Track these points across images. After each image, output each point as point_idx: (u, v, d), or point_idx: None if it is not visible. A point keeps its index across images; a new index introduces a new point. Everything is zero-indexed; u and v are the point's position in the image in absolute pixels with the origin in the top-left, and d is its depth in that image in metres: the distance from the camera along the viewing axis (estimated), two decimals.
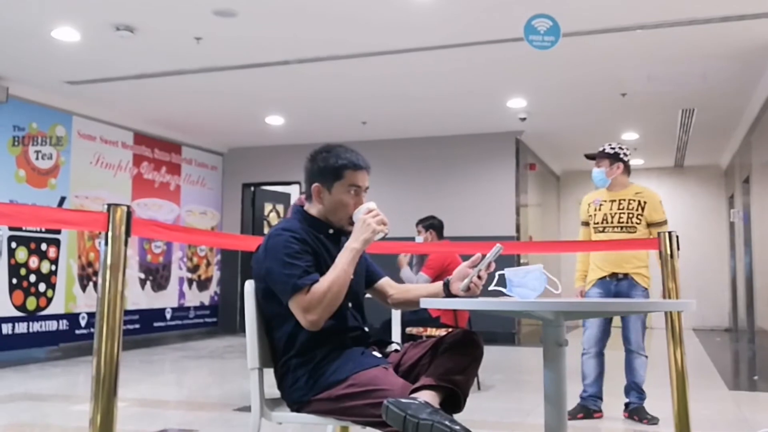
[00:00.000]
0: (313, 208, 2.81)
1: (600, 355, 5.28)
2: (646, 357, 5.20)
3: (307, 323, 2.55)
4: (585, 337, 5.30)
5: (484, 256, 2.69)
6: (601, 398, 5.26)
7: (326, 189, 2.76)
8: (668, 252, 3.94)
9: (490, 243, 3.06)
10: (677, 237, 3.99)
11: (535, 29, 6.08)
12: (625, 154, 5.34)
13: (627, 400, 5.19)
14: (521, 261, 10.56)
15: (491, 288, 2.65)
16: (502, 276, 2.68)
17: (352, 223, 2.74)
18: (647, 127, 10.81)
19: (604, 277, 5.26)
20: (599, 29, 6.64)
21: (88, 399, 2.69)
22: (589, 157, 5.50)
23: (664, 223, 5.17)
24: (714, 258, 13.76)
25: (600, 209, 5.32)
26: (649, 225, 5.18)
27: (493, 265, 2.71)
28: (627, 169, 5.35)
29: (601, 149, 5.39)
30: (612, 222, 5.25)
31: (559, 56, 7.13)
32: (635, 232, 5.16)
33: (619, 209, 5.25)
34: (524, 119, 10.10)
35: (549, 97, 9.10)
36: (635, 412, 5.11)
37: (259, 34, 6.86)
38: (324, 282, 2.56)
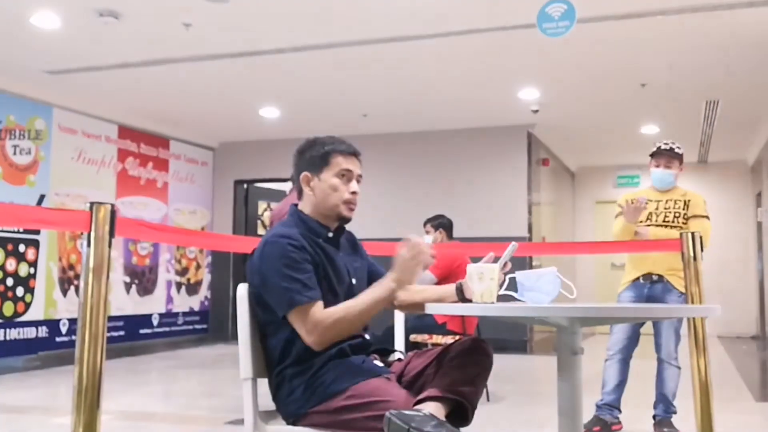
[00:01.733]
0: (307, 204, 2.85)
1: (623, 362, 5.26)
2: (679, 368, 5.14)
3: (310, 343, 2.59)
4: (610, 341, 5.30)
5: (497, 258, 2.70)
6: (619, 408, 5.25)
7: (315, 176, 2.81)
8: (691, 253, 3.94)
9: (500, 244, 3.06)
10: (701, 238, 3.99)
11: (549, 16, 6.09)
12: (682, 154, 5.37)
13: (654, 413, 5.18)
14: (534, 263, 10.56)
15: (501, 292, 2.65)
16: (513, 280, 2.68)
17: (345, 206, 2.80)
18: (668, 120, 10.80)
19: (638, 278, 5.24)
20: (617, 15, 6.63)
21: (70, 411, 2.69)
22: (656, 154, 5.39)
23: (705, 218, 5.15)
24: (740, 260, 13.74)
25: (646, 207, 5.30)
26: (689, 219, 5.17)
27: (509, 265, 2.72)
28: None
29: (665, 147, 5.34)
30: (657, 220, 5.25)
31: (575, 44, 7.13)
32: (681, 230, 5.14)
33: (665, 208, 5.27)
34: (537, 111, 10.10)
35: (563, 87, 9.10)
36: (659, 424, 5.10)
37: (252, 20, 6.86)
38: (341, 310, 2.60)
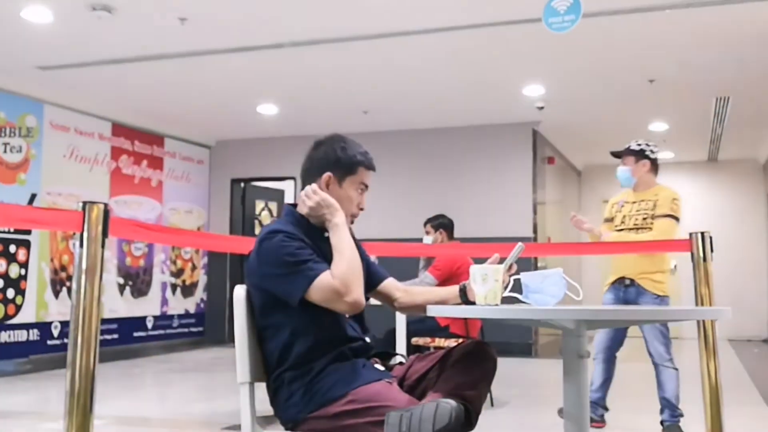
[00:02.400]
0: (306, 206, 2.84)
1: (608, 362, 5.39)
2: (675, 369, 5.19)
3: (349, 306, 2.59)
4: (595, 341, 5.41)
5: (502, 259, 2.70)
6: (604, 407, 5.33)
7: (337, 181, 2.82)
8: (701, 254, 3.94)
9: (504, 245, 3.06)
10: (710, 238, 3.99)
11: (554, 10, 6.09)
12: (651, 151, 5.40)
13: (661, 418, 5.20)
14: (539, 264, 10.55)
15: (506, 294, 2.65)
16: (517, 281, 2.68)
17: (349, 218, 2.84)
18: (678, 118, 10.80)
19: (615, 281, 5.33)
20: (625, 9, 6.63)
21: (62, 416, 2.69)
22: (615, 154, 5.57)
23: (668, 217, 5.17)
24: (752, 261, 13.74)
25: (621, 210, 5.38)
26: (655, 219, 5.21)
27: (515, 267, 2.73)
28: (654, 168, 5.40)
29: (627, 146, 5.45)
30: (628, 224, 5.32)
31: (581, 39, 7.13)
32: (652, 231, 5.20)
33: (637, 211, 5.32)
34: (542, 108, 10.10)
35: (569, 83, 9.10)
36: (668, 430, 5.11)
37: (249, 14, 6.86)
38: (341, 261, 2.63)
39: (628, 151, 5.42)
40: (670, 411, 5.14)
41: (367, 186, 2.87)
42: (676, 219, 5.21)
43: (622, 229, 5.32)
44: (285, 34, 7.36)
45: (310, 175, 2.86)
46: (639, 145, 5.41)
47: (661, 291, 5.19)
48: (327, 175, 2.82)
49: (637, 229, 5.25)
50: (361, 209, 2.88)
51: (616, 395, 5.42)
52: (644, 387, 5.56)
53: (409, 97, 9.74)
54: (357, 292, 2.60)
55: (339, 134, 2.91)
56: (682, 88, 9.16)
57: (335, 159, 2.82)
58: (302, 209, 2.81)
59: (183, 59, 8.11)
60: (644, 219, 5.25)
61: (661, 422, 5.19)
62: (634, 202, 5.36)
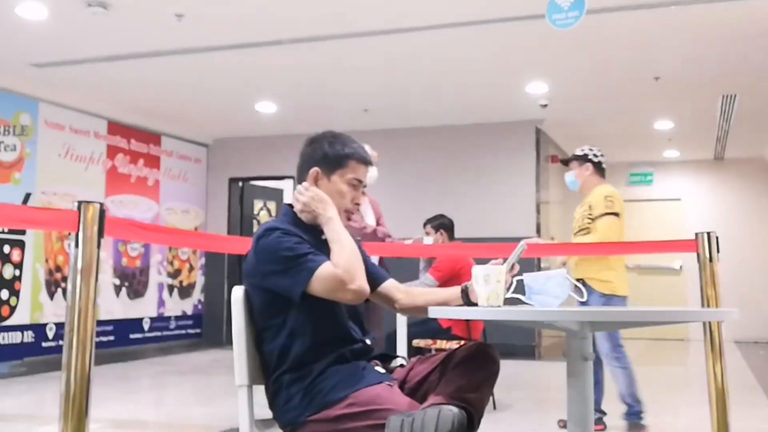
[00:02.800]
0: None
1: (594, 365, 5.39)
2: (623, 368, 5.33)
3: (355, 294, 2.60)
4: None
5: (505, 260, 2.70)
6: (600, 411, 5.41)
7: (325, 176, 2.83)
8: (707, 255, 3.94)
9: (506, 245, 3.06)
10: (717, 238, 3.99)
11: (558, 7, 6.09)
12: (594, 155, 5.65)
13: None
14: (542, 265, 10.55)
15: (508, 295, 2.65)
16: (520, 282, 2.68)
17: (344, 214, 2.84)
18: (683, 115, 10.79)
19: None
20: (629, 5, 6.62)
21: (57, 419, 2.69)
22: (564, 162, 5.84)
23: (607, 215, 5.38)
24: (759, 262, 13.72)
25: (575, 216, 5.69)
26: (594, 220, 5.45)
27: (517, 267, 2.73)
28: (598, 171, 5.65)
29: (573, 153, 5.74)
30: (575, 228, 5.63)
31: (585, 35, 7.12)
32: (589, 233, 5.44)
33: (581, 215, 5.58)
34: (545, 106, 10.10)
35: (573, 81, 9.09)
36: (629, 427, 5.28)
37: (248, 10, 6.85)
38: (341, 252, 2.64)
39: (573, 157, 5.69)
40: (627, 407, 5.27)
41: (360, 181, 2.86)
42: (615, 215, 5.40)
43: (575, 234, 5.61)
44: (284, 30, 7.36)
45: (301, 172, 2.89)
46: (582, 150, 5.67)
47: (608, 290, 5.37)
48: (314, 170, 2.83)
49: (580, 229, 5.52)
50: (357, 204, 2.88)
51: (615, 395, 5.42)
52: (649, 391, 5.56)
53: (410, 95, 9.74)
54: (361, 279, 2.61)
55: (331, 131, 2.92)
56: (688, 86, 9.16)
57: (322, 154, 2.84)
58: (296, 207, 2.82)
59: (180, 56, 8.11)
60: (584, 221, 5.50)
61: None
62: (581, 206, 5.62)
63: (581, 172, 5.63)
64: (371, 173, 5.07)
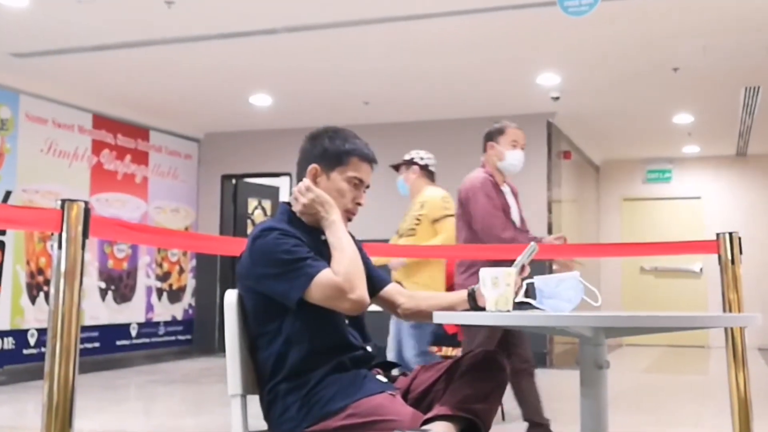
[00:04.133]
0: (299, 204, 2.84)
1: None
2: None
3: (353, 305, 2.60)
4: None
5: (513, 261, 2.70)
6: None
7: (325, 173, 2.83)
8: (728, 256, 3.93)
9: (515, 246, 3.05)
10: (739, 239, 3.99)
11: None
12: (421, 158, 6.01)
13: None
14: (554, 268, 10.55)
15: (518, 299, 2.65)
16: (531, 285, 2.67)
17: (344, 214, 2.84)
18: (704, 109, 10.79)
19: None
20: None
21: (38, 431, 2.69)
22: (394, 167, 6.15)
23: (444, 218, 5.72)
24: None
25: (404, 217, 5.99)
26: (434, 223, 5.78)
27: (527, 269, 2.72)
28: (426, 174, 6.01)
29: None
30: (403, 228, 5.91)
31: (599, 24, 7.12)
32: (414, 235, 5.76)
33: (411, 215, 5.89)
34: (557, 99, 10.09)
35: (587, 72, 9.09)
36: None
37: None
38: (343, 258, 2.65)
39: (402, 162, 6.06)
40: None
41: (362, 180, 2.86)
42: (432, 221, 5.78)
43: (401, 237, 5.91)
44: (279, 18, 7.36)
45: (300, 169, 2.89)
46: (410, 154, 6.07)
47: None
48: (313, 167, 2.83)
49: (409, 231, 5.82)
50: (359, 204, 2.88)
51: (632, 406, 5.41)
52: (667, 400, 5.55)
53: (414, 87, 9.73)
54: (361, 288, 2.62)
55: (333, 126, 2.92)
56: (709, 77, 9.15)
57: (322, 150, 2.84)
58: (296, 207, 2.82)
59: (169, 46, 8.11)
60: (413, 221, 5.82)
61: None
62: (411, 209, 5.93)
63: (408, 176, 6.00)
64: (516, 157, 5.25)
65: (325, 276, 2.59)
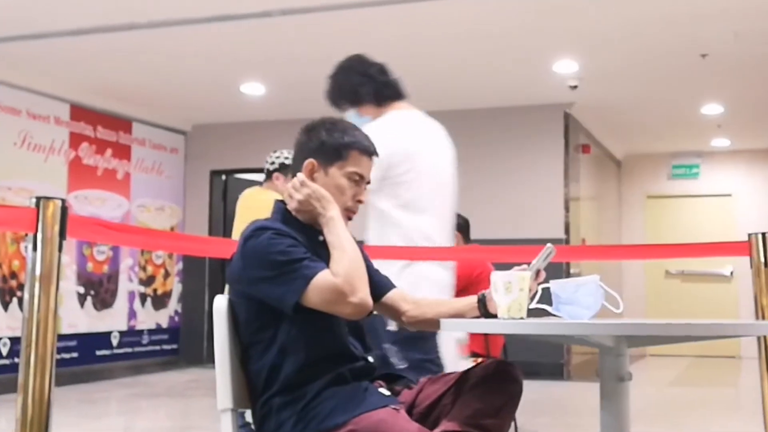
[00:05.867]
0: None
1: None
2: None
3: (355, 308, 2.59)
4: None
5: (529, 264, 2.70)
6: None
7: (322, 168, 2.83)
8: (761, 259, 3.93)
9: (530, 247, 3.05)
10: None
11: None
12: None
13: None
14: (572, 271, 10.55)
15: (533, 306, 2.65)
16: (546, 290, 2.67)
17: (344, 212, 2.82)
18: (735, 98, 10.78)
19: None
20: None
21: None
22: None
23: None
24: None
25: None
26: None
27: (543, 273, 2.72)
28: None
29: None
30: None
31: (621, 5, 7.12)
32: None
33: None
34: (575, 87, 10.09)
35: (607, 58, 9.08)
36: None
37: None
38: (342, 258, 2.64)
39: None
40: None
41: (362, 176, 2.85)
42: None
43: None
44: (274, 0, 7.36)
45: (295, 164, 2.89)
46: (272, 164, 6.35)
47: None
48: (309, 161, 2.83)
49: None
50: (359, 202, 2.87)
51: (656, 422, 5.42)
52: (696, 414, 5.56)
53: (420, 74, 9.72)
54: (363, 291, 2.61)
55: (331, 117, 2.93)
56: (740, 64, 9.15)
57: (319, 143, 2.84)
58: (291, 205, 2.81)
59: (154, 30, 8.10)
60: None
61: None
62: None
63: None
64: None
65: (323, 278, 2.59)
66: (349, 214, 2.86)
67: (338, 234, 2.71)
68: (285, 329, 2.65)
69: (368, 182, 2.90)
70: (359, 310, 2.61)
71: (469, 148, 11.26)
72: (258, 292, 2.66)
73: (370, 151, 2.87)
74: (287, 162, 5.92)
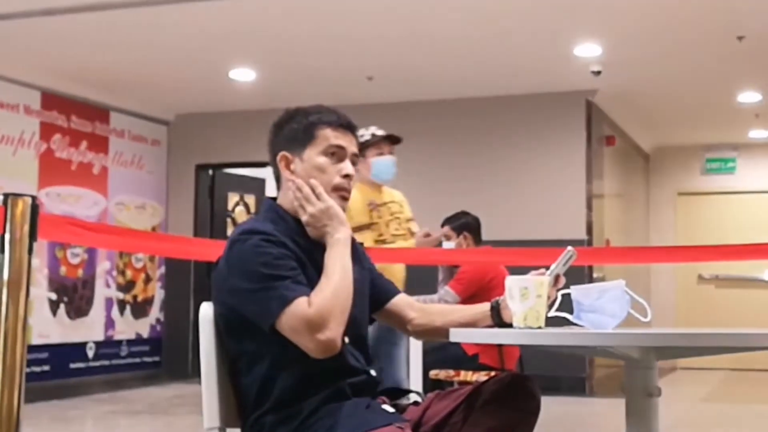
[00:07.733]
0: (286, 197, 2.86)
1: None
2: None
3: (319, 347, 2.56)
4: None
5: (547, 268, 2.70)
6: None
7: (296, 156, 2.84)
8: None
9: (549, 249, 3.05)
10: None
11: None
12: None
13: None
14: (595, 275, 10.56)
15: (552, 314, 2.65)
16: (567, 297, 2.68)
17: (335, 193, 2.81)
18: None
19: None
20: None
21: None
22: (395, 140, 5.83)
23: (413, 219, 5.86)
24: None
25: (380, 214, 5.75)
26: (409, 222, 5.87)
27: (563, 279, 2.72)
28: None
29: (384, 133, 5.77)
30: (399, 230, 5.81)
31: None
32: (408, 239, 5.75)
33: (392, 214, 5.78)
34: (599, 73, 10.08)
35: (634, 42, 9.09)
36: None
37: None
38: (326, 287, 2.61)
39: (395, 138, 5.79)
40: None
41: (342, 147, 2.84)
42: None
43: (395, 238, 5.76)
44: None
45: (273, 165, 2.91)
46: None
47: None
48: (281, 154, 2.86)
49: (403, 235, 5.79)
50: (347, 177, 2.85)
51: None
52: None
53: (427, 59, 9.74)
54: (334, 330, 2.57)
55: (295, 107, 2.94)
56: None
57: (284, 134, 2.88)
58: (301, 216, 2.79)
59: (134, 9, 8.11)
60: (405, 224, 5.84)
61: None
62: (384, 204, 5.76)
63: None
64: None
65: (297, 306, 2.56)
66: (341, 194, 2.84)
67: (336, 260, 2.70)
68: (277, 339, 2.63)
69: (354, 154, 2.89)
70: (323, 349, 2.57)
71: (480, 140, 11.31)
72: (237, 303, 2.66)
73: (339, 123, 2.86)
74: (363, 140, 5.71)
